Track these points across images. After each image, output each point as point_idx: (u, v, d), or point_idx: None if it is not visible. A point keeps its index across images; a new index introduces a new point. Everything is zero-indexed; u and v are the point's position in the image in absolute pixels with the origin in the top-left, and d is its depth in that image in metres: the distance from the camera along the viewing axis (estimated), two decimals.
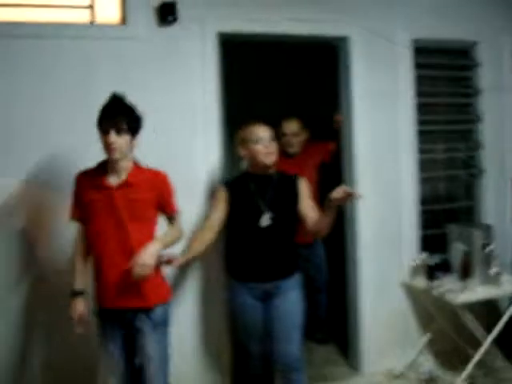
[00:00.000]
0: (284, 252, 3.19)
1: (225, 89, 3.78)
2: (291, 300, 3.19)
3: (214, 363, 3.75)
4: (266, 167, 3.16)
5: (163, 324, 2.86)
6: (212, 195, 3.41)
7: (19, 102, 3.29)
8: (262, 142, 3.11)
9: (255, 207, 3.14)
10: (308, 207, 3.19)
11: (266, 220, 3.11)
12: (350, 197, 2.90)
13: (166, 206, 2.92)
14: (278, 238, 3.15)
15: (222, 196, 3.19)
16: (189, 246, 3.19)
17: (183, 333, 3.62)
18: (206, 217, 3.30)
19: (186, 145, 3.63)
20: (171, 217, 2.98)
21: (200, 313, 3.71)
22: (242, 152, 3.20)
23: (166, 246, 2.84)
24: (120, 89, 2.86)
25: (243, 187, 3.20)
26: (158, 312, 2.81)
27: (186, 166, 3.60)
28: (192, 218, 3.56)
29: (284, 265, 3.19)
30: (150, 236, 2.84)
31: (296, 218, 3.20)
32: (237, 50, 4.23)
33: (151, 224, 2.88)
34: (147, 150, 3.19)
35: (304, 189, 3.23)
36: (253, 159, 3.17)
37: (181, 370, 3.54)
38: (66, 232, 3.15)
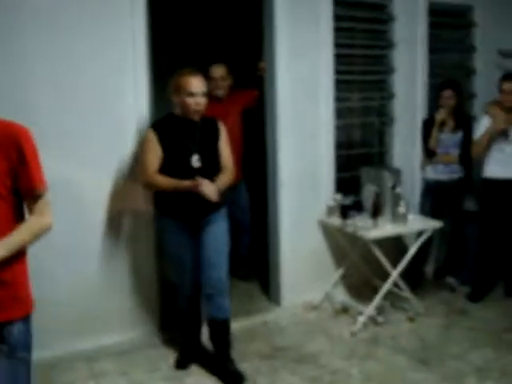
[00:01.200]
0: None
1: (153, 35, 3.84)
2: (218, 230, 3.40)
3: (144, 301, 3.91)
4: (194, 117, 3.29)
5: (22, 348, 2.10)
6: (142, 139, 3.46)
7: None
8: (195, 96, 3.21)
9: (186, 149, 3.28)
10: (223, 151, 3.42)
11: (195, 161, 3.26)
12: None
13: (24, 178, 2.03)
14: (210, 176, 3.25)
15: (154, 138, 3.27)
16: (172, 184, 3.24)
17: (111, 269, 3.77)
18: (146, 162, 3.29)
19: (115, 84, 3.68)
20: (33, 195, 2.08)
21: (128, 250, 3.83)
22: (175, 99, 3.30)
23: (13, 250, 2.02)
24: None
25: (172, 129, 3.32)
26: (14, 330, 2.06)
27: (114, 106, 3.68)
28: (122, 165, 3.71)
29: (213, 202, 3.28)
30: (3, 224, 2.02)
31: (218, 157, 3.41)
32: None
33: (4, 205, 2.02)
34: (71, 87, 3.35)
35: (223, 132, 3.44)
36: (183, 108, 3.28)
37: (109, 309, 3.76)
38: None
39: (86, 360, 3.64)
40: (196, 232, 3.38)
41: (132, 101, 3.70)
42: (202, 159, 3.29)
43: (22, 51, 3.37)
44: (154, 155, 3.26)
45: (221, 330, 3.47)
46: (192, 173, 3.22)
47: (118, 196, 3.73)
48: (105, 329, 3.78)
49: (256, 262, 5.07)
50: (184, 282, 3.48)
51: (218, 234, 3.41)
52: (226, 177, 3.39)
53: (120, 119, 3.69)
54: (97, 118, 3.61)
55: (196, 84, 3.24)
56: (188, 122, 3.32)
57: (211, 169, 3.33)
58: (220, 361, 3.49)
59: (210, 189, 3.15)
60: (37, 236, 2.11)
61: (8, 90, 3.34)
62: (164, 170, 3.27)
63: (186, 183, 3.17)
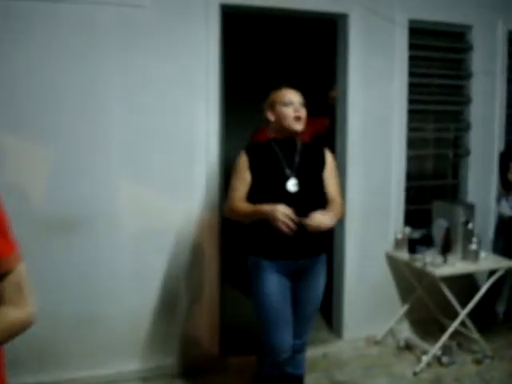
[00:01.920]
0: None
1: (225, 60, 3.87)
2: (320, 282, 3.00)
3: (204, 328, 3.92)
4: (293, 133, 2.91)
5: None
6: (234, 163, 3.00)
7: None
8: (293, 105, 2.88)
9: (280, 171, 2.86)
10: (329, 181, 2.97)
11: (292, 185, 2.83)
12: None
13: None
14: (310, 207, 2.77)
15: (245, 162, 2.89)
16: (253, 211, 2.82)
17: (171, 295, 3.79)
18: (233, 188, 2.93)
19: (189, 111, 3.71)
20: None
21: (192, 278, 3.84)
22: (270, 116, 2.95)
23: None
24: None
25: (267, 152, 2.93)
26: None
27: (186, 133, 3.72)
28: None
29: (317, 240, 2.89)
30: None
31: (322, 187, 2.95)
32: (239, 23, 4.31)
33: None
34: (145, 119, 3.38)
35: (330, 160, 3.03)
36: (280, 123, 2.91)
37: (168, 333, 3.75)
38: None
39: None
40: (296, 277, 2.93)
41: (204, 129, 3.73)
42: (301, 183, 2.84)
43: (97, 74, 3.47)
44: (242, 181, 2.87)
45: None
46: (288, 198, 2.78)
47: (184, 222, 3.76)
48: (164, 351, 3.80)
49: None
50: (280, 341, 2.86)
51: (318, 288, 3.00)
52: (336, 210, 2.89)
53: (192, 147, 3.72)
54: (169, 140, 3.66)
55: (293, 93, 2.94)
56: (285, 143, 2.93)
57: (311, 195, 2.87)
58: None
59: (320, 219, 2.70)
60: (11, 336, 1.44)
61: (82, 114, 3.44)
62: (256, 194, 2.85)
63: (266, 207, 2.71)
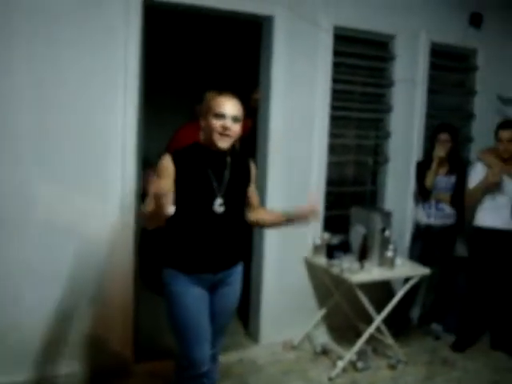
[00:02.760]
0: (237, 240, 2.84)
1: (146, 57, 3.77)
2: (236, 292, 2.92)
3: (117, 331, 3.80)
4: (220, 147, 2.67)
5: None
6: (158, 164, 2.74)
7: None
8: (223, 119, 2.62)
9: (209, 190, 2.68)
10: (253, 193, 2.96)
11: (219, 206, 2.69)
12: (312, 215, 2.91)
13: None
14: (233, 225, 2.77)
15: (170, 170, 2.64)
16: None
17: (81, 296, 3.65)
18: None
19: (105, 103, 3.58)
20: None
21: (104, 276, 3.71)
22: (202, 122, 2.72)
23: None
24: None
25: (196, 162, 2.70)
26: None
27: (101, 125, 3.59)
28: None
29: (237, 253, 2.86)
30: None
31: (245, 203, 2.92)
32: (162, 19, 4.22)
33: None
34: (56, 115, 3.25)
35: (254, 173, 2.95)
36: (207, 134, 2.68)
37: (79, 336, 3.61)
38: None
39: None
40: (214, 288, 2.82)
41: (120, 125, 3.60)
42: (226, 203, 2.71)
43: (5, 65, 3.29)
44: None
45: None
46: (214, 219, 2.68)
47: (97, 222, 3.61)
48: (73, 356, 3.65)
49: None
50: (201, 355, 2.74)
51: (234, 297, 2.91)
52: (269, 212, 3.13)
53: (106, 141, 3.58)
54: (81, 138, 3.51)
55: (229, 105, 2.64)
56: (215, 156, 2.72)
57: (235, 217, 2.79)
58: None
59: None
60: None
61: None
62: (182, 211, 2.62)
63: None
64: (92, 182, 3.57)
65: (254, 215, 2.98)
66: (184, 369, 2.79)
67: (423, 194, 4.57)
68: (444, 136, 4.46)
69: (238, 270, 2.89)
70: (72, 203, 3.51)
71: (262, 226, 3.16)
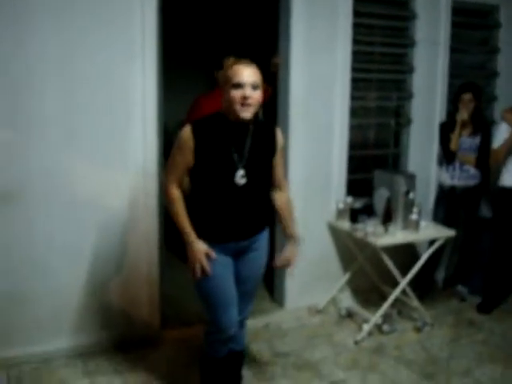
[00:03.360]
0: (261, 209, 2.81)
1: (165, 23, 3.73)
2: (262, 258, 2.91)
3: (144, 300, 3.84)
4: (242, 118, 2.60)
5: None
6: (178, 137, 2.68)
7: None
8: (242, 89, 2.55)
9: (230, 161, 2.65)
10: (277, 167, 2.86)
11: (240, 177, 2.65)
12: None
13: None
14: (255, 196, 2.74)
15: (190, 143, 2.61)
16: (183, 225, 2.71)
17: (107, 266, 3.68)
18: (172, 164, 2.70)
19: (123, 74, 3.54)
20: None
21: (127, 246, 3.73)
22: (222, 92, 2.66)
23: None
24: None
25: (216, 133, 2.65)
26: None
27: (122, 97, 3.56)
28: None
29: (260, 221, 2.84)
30: None
31: (270, 172, 2.85)
32: None
33: None
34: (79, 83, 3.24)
35: (281, 143, 2.85)
36: (228, 105, 2.61)
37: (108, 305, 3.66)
38: None
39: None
40: (239, 254, 2.82)
41: (140, 92, 3.56)
42: (249, 174, 2.67)
43: (31, 36, 3.26)
44: (181, 160, 2.65)
45: (235, 362, 3.06)
46: (235, 191, 2.66)
47: (119, 191, 3.62)
48: (102, 325, 3.71)
49: None
50: (228, 320, 2.78)
51: (260, 263, 2.91)
52: (290, 203, 2.99)
53: (127, 111, 3.56)
54: (102, 111, 3.50)
55: (246, 72, 2.56)
56: (236, 126, 2.65)
57: (258, 188, 2.75)
58: None
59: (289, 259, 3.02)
60: None
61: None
62: (202, 184, 2.68)
63: (192, 238, 2.68)
64: (115, 153, 3.56)
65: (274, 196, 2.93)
66: (212, 334, 2.84)
67: (448, 157, 4.50)
68: (467, 96, 4.38)
69: (264, 236, 2.88)
70: (95, 176, 3.52)
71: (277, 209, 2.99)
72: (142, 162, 3.61)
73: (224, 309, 2.76)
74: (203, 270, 2.68)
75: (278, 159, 2.84)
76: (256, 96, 2.59)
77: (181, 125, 2.80)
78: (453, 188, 4.52)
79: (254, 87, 2.58)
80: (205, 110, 3.77)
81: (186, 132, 2.63)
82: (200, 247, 2.68)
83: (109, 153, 3.55)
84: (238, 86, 2.55)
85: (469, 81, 4.58)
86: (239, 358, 3.07)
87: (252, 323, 3.93)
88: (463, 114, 4.36)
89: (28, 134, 3.34)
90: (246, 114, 2.58)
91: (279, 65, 4.19)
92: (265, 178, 2.81)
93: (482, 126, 4.51)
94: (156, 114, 3.64)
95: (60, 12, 3.30)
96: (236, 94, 2.55)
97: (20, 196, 3.37)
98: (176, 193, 2.72)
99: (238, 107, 2.56)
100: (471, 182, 4.49)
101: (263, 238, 2.88)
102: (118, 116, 3.54)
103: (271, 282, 4.50)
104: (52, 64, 3.33)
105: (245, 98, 2.54)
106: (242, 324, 2.95)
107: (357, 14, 4.23)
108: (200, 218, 2.73)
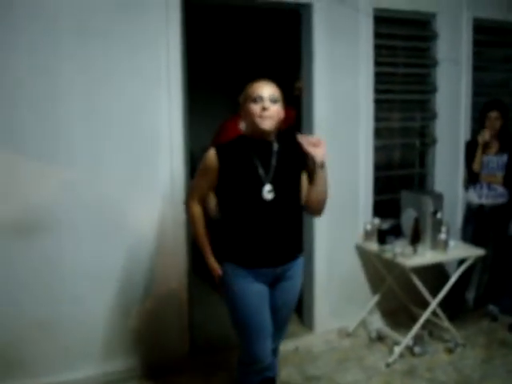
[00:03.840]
0: (293, 229, 2.76)
1: (190, 51, 3.78)
2: (297, 286, 2.85)
3: (172, 326, 3.84)
4: (263, 132, 2.64)
5: None
6: (202, 159, 2.73)
7: None
8: (261, 101, 2.58)
9: (256, 178, 2.64)
10: (305, 180, 2.81)
11: (268, 192, 2.63)
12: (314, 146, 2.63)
13: None
14: (286, 213, 2.69)
15: (215, 163, 2.65)
16: (202, 243, 2.81)
17: (134, 291, 3.70)
18: (196, 184, 2.79)
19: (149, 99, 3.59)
20: None
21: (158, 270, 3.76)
22: (241, 112, 2.71)
23: None
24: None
25: (240, 154, 2.67)
26: None
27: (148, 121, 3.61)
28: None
29: (294, 243, 2.79)
30: None
31: (299, 189, 2.79)
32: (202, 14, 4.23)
33: None
34: (106, 113, 3.31)
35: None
36: (249, 122, 2.66)
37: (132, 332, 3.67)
38: None
39: None
40: (274, 283, 2.77)
41: (166, 121, 3.62)
42: (276, 189, 2.65)
43: (56, 62, 3.33)
44: (204, 181, 2.71)
45: None
46: (263, 206, 2.63)
47: (148, 219, 3.65)
48: (131, 352, 3.72)
49: None
50: (263, 351, 2.74)
51: (295, 291, 2.85)
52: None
53: (154, 138, 3.61)
54: (130, 136, 3.55)
55: (264, 87, 2.61)
56: (259, 143, 2.68)
57: (288, 204, 2.70)
58: None
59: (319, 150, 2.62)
60: None
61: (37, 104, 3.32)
62: (232, 204, 2.68)
63: (211, 261, 2.78)
64: (144, 180, 3.61)
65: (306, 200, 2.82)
66: (246, 364, 2.81)
67: (471, 178, 4.48)
68: (494, 114, 4.36)
69: (299, 262, 2.82)
70: (124, 203, 3.57)
71: (312, 205, 2.81)
72: (170, 190, 3.64)
73: (259, 340, 2.73)
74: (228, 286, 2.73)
75: (304, 177, 2.79)
76: (275, 109, 2.61)
77: (206, 150, 2.83)
78: (481, 207, 4.48)
79: (273, 101, 2.61)
80: (231, 134, 3.80)
81: (211, 153, 2.66)
82: (214, 266, 2.78)
83: (137, 180, 3.59)
84: (257, 99, 2.59)
85: (494, 98, 4.56)
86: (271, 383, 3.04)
87: (282, 347, 3.89)
88: (485, 136, 4.34)
89: (56, 162, 3.39)
90: (266, 124, 2.59)
91: (302, 89, 4.21)
92: (293, 193, 2.75)
93: (509, 143, 4.47)
94: (182, 141, 3.68)
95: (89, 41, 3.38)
96: (255, 107, 2.59)
97: (50, 224, 3.41)
98: (197, 210, 2.79)
99: (257, 120, 2.59)
100: (499, 201, 4.44)
101: (298, 265, 2.82)
102: (145, 143, 3.59)
103: (300, 306, 4.47)
104: (79, 92, 3.40)
105: (264, 109, 2.57)
106: (275, 351, 2.93)
107: (378, 35, 4.25)
108: (233, 242, 2.70)
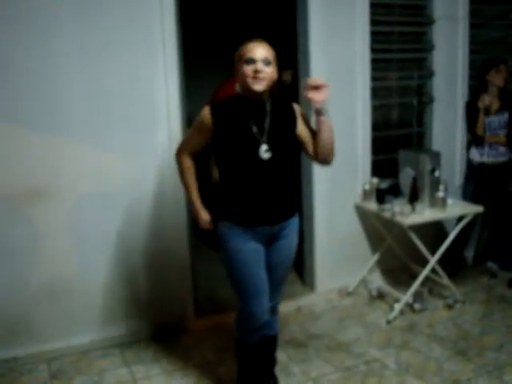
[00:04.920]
0: (290, 188, 2.78)
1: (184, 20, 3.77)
2: (293, 244, 2.88)
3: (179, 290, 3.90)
4: (256, 93, 2.64)
5: None
6: (197, 116, 2.75)
7: None
8: (254, 63, 2.58)
9: (251, 137, 2.65)
10: (304, 132, 2.79)
11: (264, 152, 2.65)
12: (318, 89, 2.66)
13: None
14: (283, 172, 2.71)
15: (209, 121, 2.67)
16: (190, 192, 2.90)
17: (135, 257, 3.75)
18: (188, 136, 2.86)
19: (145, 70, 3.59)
20: None
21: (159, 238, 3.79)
22: (236, 74, 2.70)
23: None
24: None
25: (234, 113, 2.69)
26: None
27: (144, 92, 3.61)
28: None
29: (290, 202, 2.81)
30: None
31: (297, 148, 2.81)
32: None
33: None
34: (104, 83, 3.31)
35: (300, 113, 2.82)
36: (241, 82, 2.66)
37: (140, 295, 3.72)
38: None
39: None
40: (271, 241, 2.80)
41: (163, 90, 3.61)
42: (273, 149, 2.66)
43: (54, 36, 3.32)
44: (197, 137, 2.76)
45: (269, 347, 3.07)
46: (262, 166, 2.64)
47: (147, 179, 3.68)
48: (136, 315, 3.79)
49: None
50: (259, 308, 2.78)
51: (291, 250, 2.89)
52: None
53: (151, 103, 3.61)
54: (126, 104, 3.55)
55: (258, 49, 2.61)
56: (253, 103, 2.69)
57: (285, 163, 2.72)
58: (264, 380, 3.10)
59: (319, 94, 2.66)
60: None
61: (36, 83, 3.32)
62: (229, 163, 2.70)
63: (197, 206, 2.89)
64: (141, 148, 3.62)
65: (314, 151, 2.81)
66: (244, 322, 2.87)
67: (476, 141, 4.46)
68: (503, 66, 4.32)
69: (294, 222, 2.85)
70: (124, 166, 3.58)
71: (323, 153, 2.79)
72: (168, 155, 3.63)
73: (255, 297, 2.77)
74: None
75: (302, 128, 2.79)
76: (268, 71, 2.62)
77: None
78: (482, 165, 4.48)
79: (266, 63, 2.61)
80: (221, 95, 3.80)
81: (205, 111, 2.69)
82: (203, 217, 2.89)
83: (136, 148, 3.60)
84: (250, 61, 2.60)
85: (494, 55, 4.53)
86: (272, 342, 3.09)
87: (284, 307, 3.96)
88: (485, 101, 4.31)
89: (56, 131, 3.40)
90: (258, 86, 2.60)
91: (289, 81, 4.21)
92: (290, 153, 2.76)
93: (509, 101, 4.46)
94: (179, 109, 3.68)
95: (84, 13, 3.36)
96: (248, 68, 2.60)
97: (52, 193, 3.45)
98: (187, 161, 2.85)
99: (250, 80, 2.60)
100: (500, 159, 4.45)
101: (294, 224, 2.85)
102: (143, 112, 3.59)
103: (301, 266, 4.53)
104: (77, 63, 3.38)
105: (256, 71, 2.58)
106: (273, 310, 2.97)
107: None
108: (230, 201, 2.73)
